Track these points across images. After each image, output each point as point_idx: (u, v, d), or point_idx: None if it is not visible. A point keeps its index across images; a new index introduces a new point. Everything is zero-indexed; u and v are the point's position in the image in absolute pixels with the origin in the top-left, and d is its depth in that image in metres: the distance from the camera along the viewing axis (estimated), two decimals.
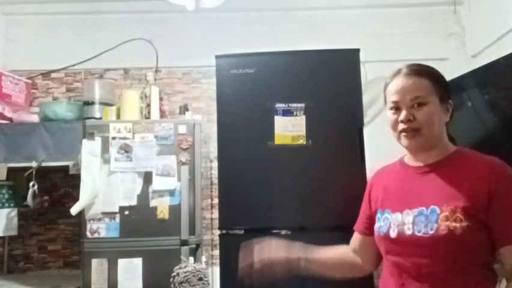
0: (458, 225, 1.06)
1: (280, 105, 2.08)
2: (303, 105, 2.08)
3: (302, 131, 2.06)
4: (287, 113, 2.08)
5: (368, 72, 2.60)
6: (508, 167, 1.12)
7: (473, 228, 1.06)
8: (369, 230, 1.31)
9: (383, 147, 2.72)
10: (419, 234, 1.10)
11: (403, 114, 1.17)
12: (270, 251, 1.35)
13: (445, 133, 1.22)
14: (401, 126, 1.18)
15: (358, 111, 2.09)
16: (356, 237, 1.39)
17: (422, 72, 1.20)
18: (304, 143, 2.04)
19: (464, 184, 1.10)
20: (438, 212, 1.09)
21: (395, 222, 1.17)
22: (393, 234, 1.16)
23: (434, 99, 1.17)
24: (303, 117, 2.07)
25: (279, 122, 2.07)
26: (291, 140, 2.06)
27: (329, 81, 2.10)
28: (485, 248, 1.09)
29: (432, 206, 1.11)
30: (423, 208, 1.12)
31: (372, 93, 2.66)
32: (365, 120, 2.22)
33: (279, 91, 2.09)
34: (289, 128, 2.07)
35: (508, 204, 1.06)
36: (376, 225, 1.25)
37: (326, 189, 2.01)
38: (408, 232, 1.13)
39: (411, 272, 1.13)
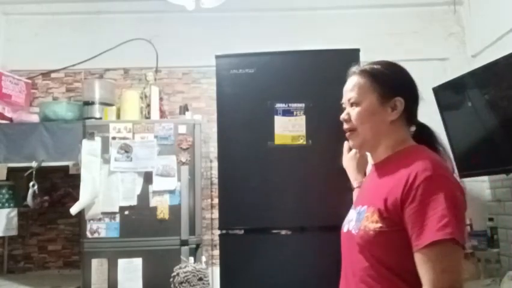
0: (372, 226, 1.05)
1: (280, 105, 2.08)
2: (303, 105, 2.07)
3: (302, 131, 2.06)
4: (287, 113, 2.08)
5: None
6: (430, 169, 1.00)
7: (387, 231, 1.02)
8: None
9: None
10: (352, 231, 1.13)
11: (342, 115, 1.21)
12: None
13: (396, 131, 1.15)
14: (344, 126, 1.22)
15: None
16: None
17: (362, 71, 1.19)
18: (304, 143, 2.04)
19: (387, 185, 1.07)
20: (365, 211, 1.10)
21: (348, 218, 1.22)
22: (344, 229, 1.21)
23: (369, 98, 1.14)
24: (303, 117, 2.07)
25: (279, 122, 2.07)
26: (291, 140, 2.06)
27: (329, 81, 2.10)
28: (398, 253, 1.01)
29: (365, 205, 1.12)
30: (361, 206, 1.14)
31: None
32: None
33: (279, 91, 2.08)
34: (289, 128, 2.07)
35: (418, 208, 0.97)
36: None
37: (326, 189, 2.01)
38: (348, 228, 1.17)
39: (347, 268, 1.15)
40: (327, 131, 2.06)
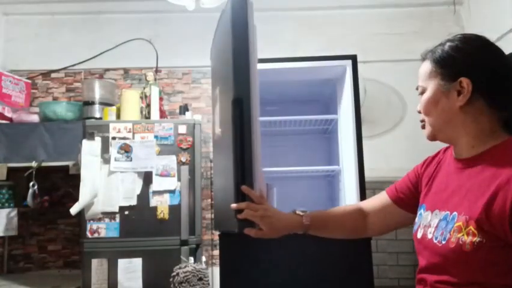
0: (468, 239, 0.88)
1: None
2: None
3: None
4: None
5: (368, 73, 2.61)
6: None
7: (488, 246, 0.86)
8: (402, 202, 1.19)
9: (383, 147, 2.74)
10: (435, 241, 0.96)
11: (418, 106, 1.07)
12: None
13: (475, 119, 0.96)
14: None
15: (357, 112, 2.09)
16: (382, 198, 1.24)
17: (427, 53, 1.04)
18: None
19: (487, 190, 0.88)
20: (456, 220, 0.92)
21: (423, 222, 1.04)
22: (419, 234, 1.04)
23: (432, 84, 1.00)
24: None
25: None
26: None
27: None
28: (503, 270, 0.86)
29: (454, 212, 0.93)
30: (448, 212, 0.96)
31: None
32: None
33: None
34: None
35: None
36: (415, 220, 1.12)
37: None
38: (429, 236, 0.98)
39: (428, 280, 0.99)
40: None
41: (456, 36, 1.02)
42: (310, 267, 1.93)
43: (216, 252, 2.53)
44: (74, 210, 2.15)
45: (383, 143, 2.73)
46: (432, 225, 0.99)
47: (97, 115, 2.55)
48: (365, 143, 2.10)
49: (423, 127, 1.05)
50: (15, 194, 2.50)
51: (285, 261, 1.95)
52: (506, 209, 0.83)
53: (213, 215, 2.82)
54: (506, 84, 0.95)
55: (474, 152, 0.97)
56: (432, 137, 1.04)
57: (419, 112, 1.05)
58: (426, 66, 1.03)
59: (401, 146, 2.70)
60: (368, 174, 2.05)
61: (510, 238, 0.83)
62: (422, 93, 1.03)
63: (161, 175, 2.22)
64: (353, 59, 2.08)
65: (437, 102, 0.99)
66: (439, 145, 1.09)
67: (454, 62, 0.98)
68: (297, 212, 1.22)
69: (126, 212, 2.21)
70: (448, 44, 1.01)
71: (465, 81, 0.95)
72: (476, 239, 0.86)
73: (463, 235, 0.89)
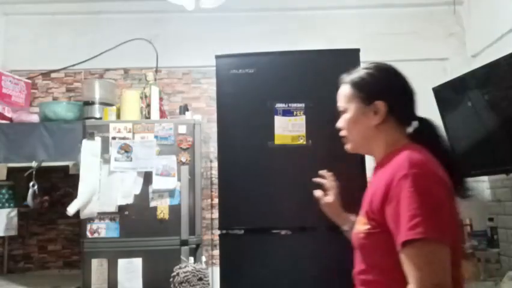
0: (362, 228, 1.09)
1: (280, 105, 2.08)
2: (303, 105, 2.08)
3: (302, 131, 2.06)
4: (287, 113, 2.08)
5: None
6: (406, 168, 1.00)
7: (373, 232, 1.05)
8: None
9: None
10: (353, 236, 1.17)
11: (338, 122, 1.25)
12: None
13: (385, 133, 1.15)
14: None
15: None
16: None
17: (346, 79, 1.22)
18: (304, 143, 2.05)
19: (374, 186, 1.10)
20: (361, 214, 1.14)
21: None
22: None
23: (352, 106, 1.18)
24: (303, 117, 2.07)
25: (279, 122, 2.07)
26: (290, 140, 2.06)
27: (329, 81, 2.10)
28: (388, 256, 1.00)
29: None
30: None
31: None
32: None
33: (279, 91, 2.09)
34: (289, 128, 2.07)
35: (394, 209, 0.98)
36: None
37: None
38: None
39: (354, 273, 1.16)
40: (327, 131, 2.05)
41: (371, 65, 1.22)
42: (310, 267, 1.93)
43: (216, 252, 2.53)
44: (71, 209, 2.15)
45: None
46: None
47: (97, 115, 2.55)
48: None
49: (345, 143, 1.24)
50: (15, 194, 2.50)
51: (284, 261, 1.96)
52: (380, 197, 1.03)
53: (213, 215, 2.82)
54: (410, 104, 1.18)
55: (378, 160, 1.19)
56: (354, 150, 1.24)
57: (340, 129, 1.23)
58: (346, 89, 1.21)
59: None
60: (369, 174, 2.05)
61: (385, 223, 1.01)
62: (343, 112, 1.22)
63: (161, 175, 2.22)
64: (356, 53, 2.09)
65: (356, 122, 1.18)
66: None
67: (370, 87, 1.17)
68: (351, 217, 1.40)
69: (126, 212, 2.20)
70: (365, 71, 1.20)
71: (380, 104, 1.14)
72: (366, 227, 1.07)
73: (360, 225, 1.11)
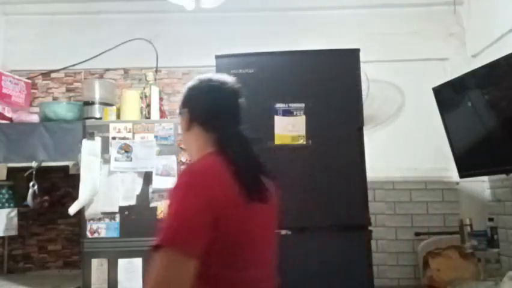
0: None
1: (280, 105, 2.08)
2: (303, 105, 2.08)
3: (302, 131, 2.06)
4: (287, 113, 2.08)
5: (368, 73, 2.61)
6: (177, 178, 1.10)
7: None
8: None
9: (383, 147, 2.74)
10: None
11: None
12: None
13: (196, 139, 1.22)
14: None
15: (358, 111, 2.09)
16: None
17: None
18: (304, 143, 2.05)
19: None
20: None
21: None
22: None
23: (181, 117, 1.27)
24: (303, 117, 2.07)
25: (279, 122, 2.07)
26: (291, 140, 2.06)
27: (329, 81, 2.10)
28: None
29: None
30: None
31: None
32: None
33: (279, 91, 2.09)
34: (289, 128, 2.07)
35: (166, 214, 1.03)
36: None
37: (326, 189, 2.01)
38: None
39: None
40: (327, 131, 2.06)
41: (196, 77, 1.28)
42: (310, 267, 1.93)
43: None
44: (72, 209, 2.15)
45: (383, 142, 2.73)
46: None
47: (97, 115, 2.55)
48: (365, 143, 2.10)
49: None
50: (15, 194, 2.50)
51: (284, 261, 1.95)
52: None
53: None
54: (214, 115, 1.22)
55: None
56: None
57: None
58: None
59: (399, 144, 2.69)
60: (369, 175, 2.05)
61: None
62: None
63: (161, 175, 2.22)
64: (356, 53, 2.09)
65: (183, 130, 1.27)
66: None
67: (183, 96, 1.27)
68: None
69: (126, 212, 2.20)
70: (188, 83, 1.28)
71: (183, 111, 1.24)
72: None
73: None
